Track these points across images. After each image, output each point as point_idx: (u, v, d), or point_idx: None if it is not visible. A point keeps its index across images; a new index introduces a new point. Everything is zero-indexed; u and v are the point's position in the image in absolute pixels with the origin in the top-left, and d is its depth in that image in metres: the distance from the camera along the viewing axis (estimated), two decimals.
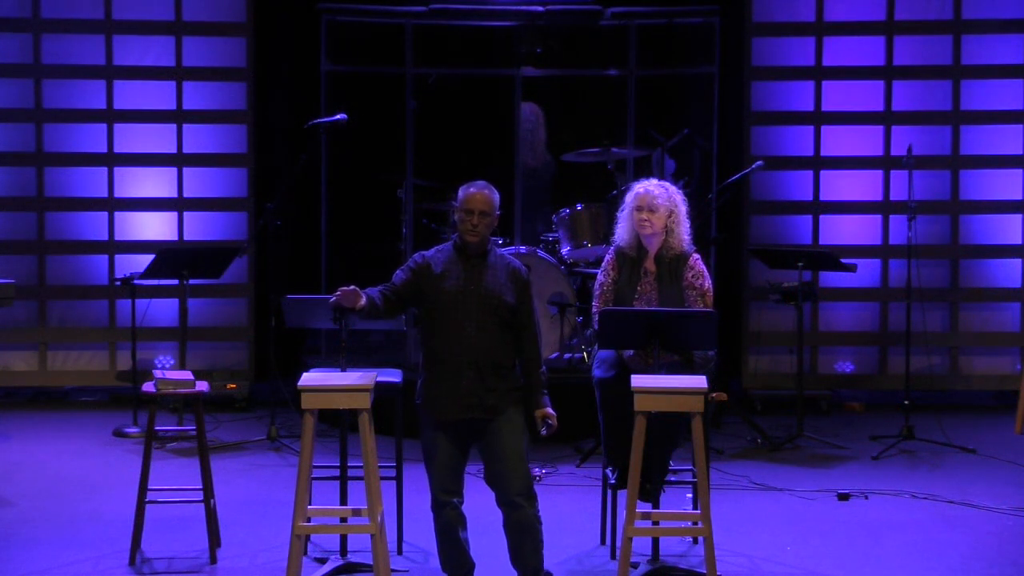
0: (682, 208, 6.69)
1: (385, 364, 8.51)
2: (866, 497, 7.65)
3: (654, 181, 6.76)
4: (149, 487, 6.44)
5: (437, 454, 5.80)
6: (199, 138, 10.18)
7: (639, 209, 6.62)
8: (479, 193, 5.83)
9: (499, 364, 5.79)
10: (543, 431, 5.88)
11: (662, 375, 6.20)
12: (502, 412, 5.79)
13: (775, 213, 10.23)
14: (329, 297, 5.81)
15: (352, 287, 5.74)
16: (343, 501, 6.44)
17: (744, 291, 10.15)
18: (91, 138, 10.13)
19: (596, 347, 6.78)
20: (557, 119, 10.19)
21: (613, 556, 6.56)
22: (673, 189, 6.74)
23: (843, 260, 9.05)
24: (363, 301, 5.74)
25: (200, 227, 10.18)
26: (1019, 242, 10.16)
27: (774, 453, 8.65)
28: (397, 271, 5.92)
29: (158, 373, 6.59)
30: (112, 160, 10.13)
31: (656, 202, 6.61)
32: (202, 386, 6.54)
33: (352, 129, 8.75)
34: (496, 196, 5.88)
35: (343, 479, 6.45)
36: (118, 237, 10.15)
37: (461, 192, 5.86)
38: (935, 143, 10.12)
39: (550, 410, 5.86)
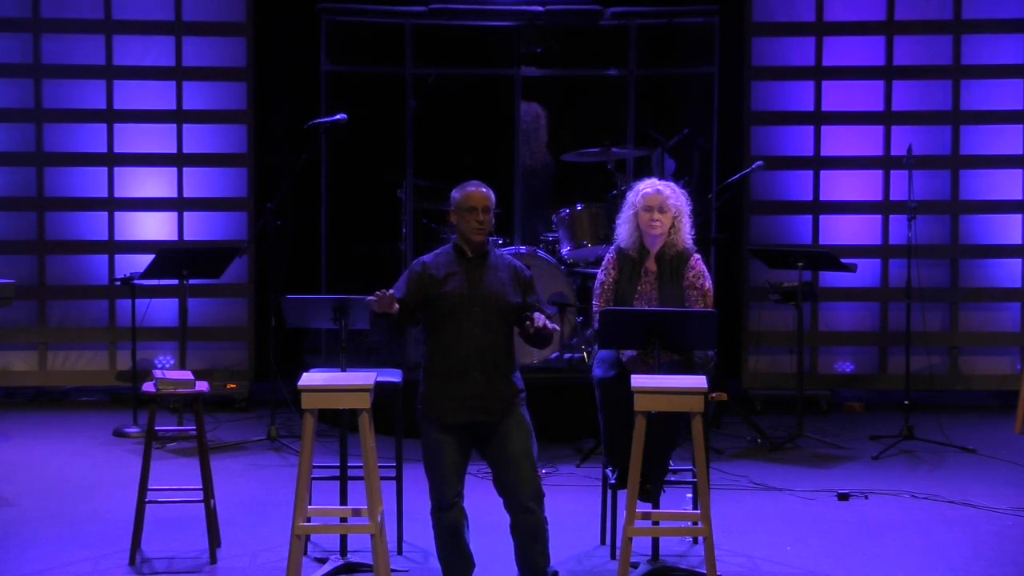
0: (687, 208, 6.70)
1: (385, 364, 8.52)
2: (866, 497, 7.65)
3: (660, 181, 6.75)
4: (149, 487, 6.44)
5: (443, 458, 5.74)
6: (199, 138, 10.18)
7: (648, 209, 6.60)
8: (477, 191, 5.81)
9: (503, 366, 5.76)
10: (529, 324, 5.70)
11: (662, 375, 6.19)
12: (509, 415, 5.76)
13: (775, 213, 10.23)
14: (329, 297, 5.79)
15: (391, 292, 5.64)
16: (343, 501, 6.44)
17: (744, 291, 10.15)
18: (91, 138, 10.14)
19: (596, 347, 6.77)
20: (557, 119, 10.20)
21: (613, 556, 6.56)
22: (679, 189, 6.74)
23: (843, 260, 9.04)
24: (395, 308, 5.64)
25: (200, 227, 10.18)
26: (1019, 242, 10.17)
27: (774, 453, 8.64)
28: (398, 283, 5.84)
29: (158, 373, 6.59)
30: (112, 160, 10.13)
31: (667, 203, 6.60)
32: (202, 386, 6.54)
33: (352, 129, 8.75)
34: (492, 192, 5.86)
35: (343, 479, 6.45)
36: (118, 237, 10.15)
37: (457, 193, 5.82)
38: (935, 143, 10.12)
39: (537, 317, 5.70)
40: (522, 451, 5.74)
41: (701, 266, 6.65)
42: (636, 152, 9.60)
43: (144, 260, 9.19)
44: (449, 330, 5.73)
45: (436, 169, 9.89)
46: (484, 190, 5.82)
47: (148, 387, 6.53)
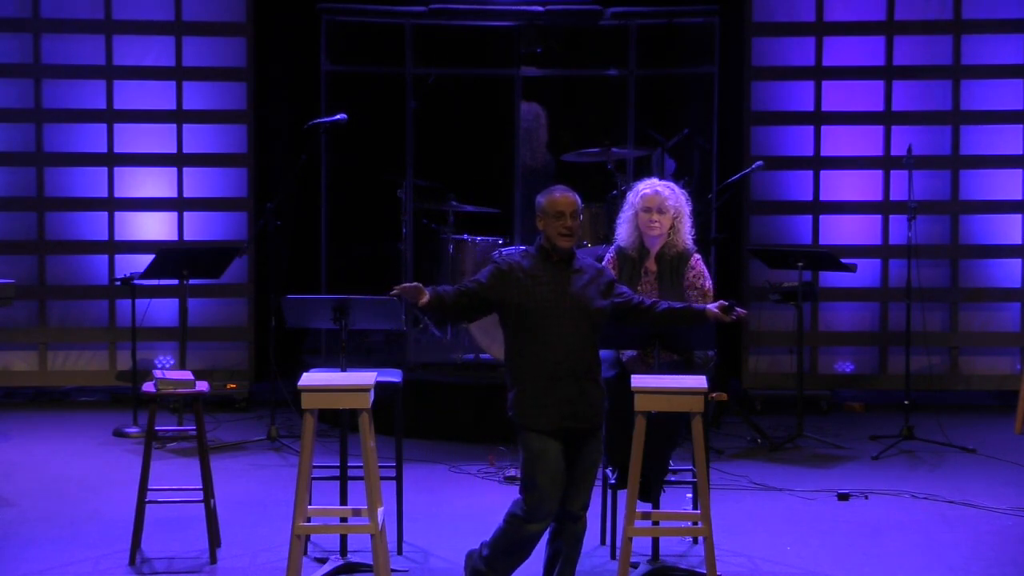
0: (687, 208, 6.69)
1: (385, 364, 8.51)
2: (866, 497, 7.65)
3: (660, 181, 6.74)
4: (149, 487, 6.43)
5: (546, 470, 5.57)
6: (199, 138, 10.18)
7: (647, 210, 6.60)
8: (564, 196, 5.70)
9: (593, 370, 5.67)
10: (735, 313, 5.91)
11: (662, 375, 6.19)
12: (595, 432, 5.68)
13: (775, 213, 10.23)
14: (329, 297, 5.77)
15: (414, 284, 5.63)
16: (343, 501, 6.44)
17: (744, 291, 10.14)
18: (91, 138, 10.13)
19: None
20: (557, 119, 10.20)
21: (613, 556, 6.56)
22: (679, 189, 6.73)
23: (843, 260, 9.04)
24: (426, 298, 5.60)
25: (200, 227, 10.18)
26: (1019, 242, 10.16)
27: (774, 453, 8.64)
28: (481, 273, 5.73)
29: (158, 373, 6.58)
30: (112, 160, 10.13)
31: (666, 203, 6.60)
32: (202, 386, 6.54)
33: (352, 129, 8.74)
34: (579, 197, 5.76)
35: (343, 479, 6.45)
36: (118, 237, 10.15)
37: (543, 199, 5.72)
38: (935, 143, 10.12)
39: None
40: (593, 466, 5.69)
41: (701, 266, 6.65)
42: (636, 152, 9.59)
43: (144, 260, 9.19)
44: (538, 336, 5.60)
45: (436, 169, 9.89)
46: (571, 195, 5.72)
47: (148, 387, 6.53)
